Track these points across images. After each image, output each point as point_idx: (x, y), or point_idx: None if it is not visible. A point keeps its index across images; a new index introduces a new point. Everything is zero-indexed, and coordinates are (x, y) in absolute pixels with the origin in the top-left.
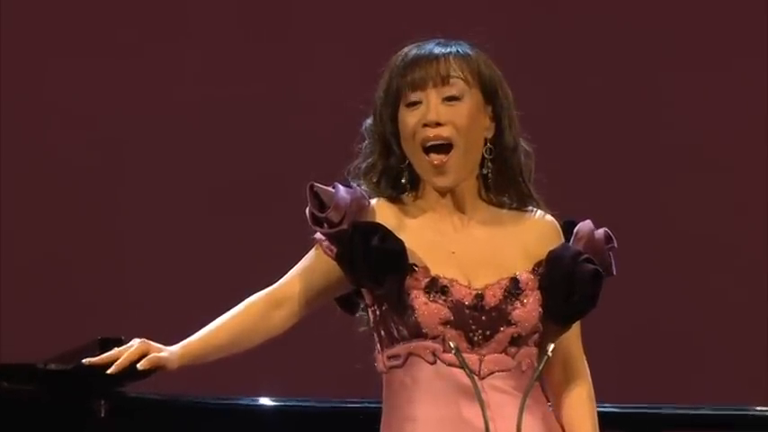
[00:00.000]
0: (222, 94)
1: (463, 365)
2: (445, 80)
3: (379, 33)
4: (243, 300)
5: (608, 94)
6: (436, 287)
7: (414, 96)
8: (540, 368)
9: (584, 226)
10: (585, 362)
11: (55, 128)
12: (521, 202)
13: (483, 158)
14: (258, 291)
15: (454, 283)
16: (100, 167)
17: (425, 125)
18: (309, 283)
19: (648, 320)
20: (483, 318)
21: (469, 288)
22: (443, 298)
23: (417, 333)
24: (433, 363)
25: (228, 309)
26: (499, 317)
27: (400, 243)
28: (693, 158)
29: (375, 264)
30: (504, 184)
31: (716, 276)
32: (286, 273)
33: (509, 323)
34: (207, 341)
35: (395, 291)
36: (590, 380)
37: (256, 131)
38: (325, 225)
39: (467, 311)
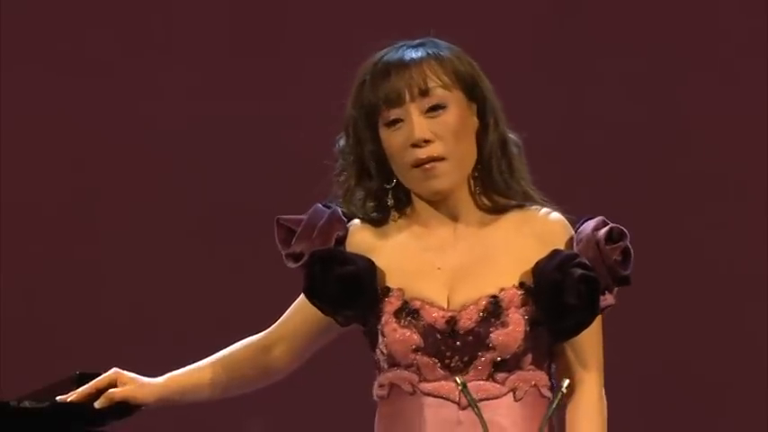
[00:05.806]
0: (209, 110)
1: (472, 405)
2: (424, 92)
3: (374, 47)
4: (232, 336)
5: (631, 119)
6: (406, 311)
7: (393, 114)
8: (554, 405)
9: (587, 226)
10: (601, 364)
11: (22, 150)
12: (522, 200)
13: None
14: (250, 325)
15: (426, 306)
16: (75, 192)
17: (413, 145)
18: (305, 320)
19: (676, 363)
20: (457, 343)
21: (444, 310)
22: (414, 323)
23: (392, 362)
24: (413, 393)
25: (217, 342)
26: (476, 341)
27: (363, 264)
28: (725, 189)
29: (339, 291)
30: (497, 183)
31: (751, 314)
32: (279, 302)
33: (487, 348)
34: (198, 374)
35: (363, 317)
36: (602, 384)
37: (246, 150)
38: (291, 259)
39: (438, 336)
